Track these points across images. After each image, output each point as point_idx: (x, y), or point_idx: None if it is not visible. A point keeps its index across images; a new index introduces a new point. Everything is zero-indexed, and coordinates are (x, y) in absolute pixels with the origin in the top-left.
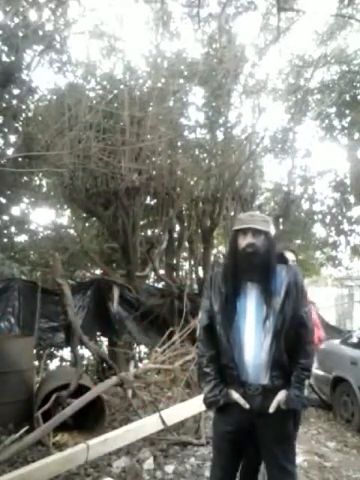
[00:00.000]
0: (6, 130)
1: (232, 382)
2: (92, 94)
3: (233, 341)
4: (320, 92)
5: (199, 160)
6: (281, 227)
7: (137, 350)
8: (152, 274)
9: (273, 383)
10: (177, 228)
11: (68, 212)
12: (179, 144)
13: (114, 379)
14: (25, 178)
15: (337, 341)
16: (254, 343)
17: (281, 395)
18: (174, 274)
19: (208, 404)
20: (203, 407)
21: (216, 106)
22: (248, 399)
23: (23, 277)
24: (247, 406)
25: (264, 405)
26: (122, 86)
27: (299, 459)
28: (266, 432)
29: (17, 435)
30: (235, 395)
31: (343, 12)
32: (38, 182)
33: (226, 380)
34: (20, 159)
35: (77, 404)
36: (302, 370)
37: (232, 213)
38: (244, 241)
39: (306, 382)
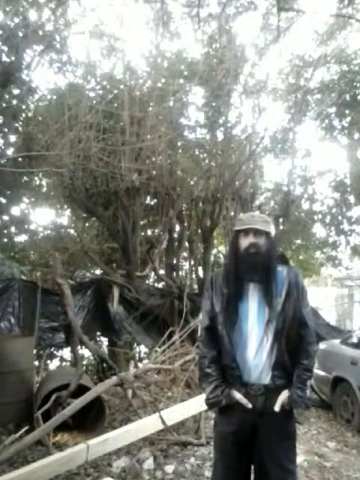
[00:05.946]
0: (6, 130)
1: (234, 382)
2: (92, 94)
3: (235, 342)
4: (320, 92)
5: (199, 160)
6: (281, 227)
7: (137, 350)
8: (152, 274)
9: (275, 383)
10: (177, 228)
11: (68, 212)
12: (179, 144)
13: (114, 379)
14: (25, 178)
15: (337, 341)
16: (256, 343)
17: (284, 395)
18: (174, 274)
19: (210, 405)
20: (203, 407)
21: (216, 106)
22: (250, 399)
23: (23, 277)
24: (250, 406)
25: (266, 405)
26: (122, 86)
27: (299, 459)
28: (268, 431)
29: (17, 435)
30: (237, 395)
31: (343, 12)
32: (38, 182)
33: (228, 380)
34: (20, 159)
35: (77, 404)
36: (304, 370)
37: (232, 213)
38: (245, 241)
39: (308, 382)
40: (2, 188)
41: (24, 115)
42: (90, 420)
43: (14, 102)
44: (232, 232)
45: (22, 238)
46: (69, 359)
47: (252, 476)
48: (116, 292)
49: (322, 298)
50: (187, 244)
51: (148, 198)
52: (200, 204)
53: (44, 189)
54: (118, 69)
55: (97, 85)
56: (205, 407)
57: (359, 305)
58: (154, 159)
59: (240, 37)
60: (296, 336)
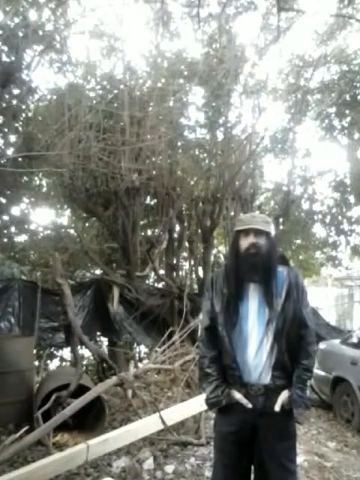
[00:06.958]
0: (6, 130)
1: (234, 383)
2: (92, 94)
3: (235, 342)
4: (320, 92)
5: (199, 160)
6: (281, 227)
7: (137, 350)
8: (152, 274)
9: (275, 383)
10: (177, 228)
11: (68, 212)
12: (179, 144)
13: (114, 379)
14: (25, 178)
15: (337, 341)
16: (256, 344)
17: (284, 395)
18: (174, 274)
19: (210, 405)
20: (203, 407)
21: (216, 106)
22: (250, 399)
23: (23, 277)
24: (250, 406)
25: (266, 405)
26: (122, 86)
27: (299, 459)
28: (268, 431)
29: (17, 435)
30: (237, 395)
31: (343, 12)
32: (38, 182)
33: (228, 381)
34: (20, 159)
35: (77, 404)
36: (304, 370)
37: (232, 213)
38: (246, 241)
39: (308, 383)
40: (2, 188)
41: (24, 115)
42: (90, 420)
43: (14, 102)
44: (232, 232)
45: (22, 238)
46: (69, 359)
47: (252, 476)
48: (116, 292)
49: (322, 298)
50: (187, 244)
51: (148, 198)
52: (200, 204)
53: (44, 189)
54: (118, 69)
55: (97, 85)
56: (205, 407)
57: (359, 305)
58: (154, 159)
59: (240, 37)
60: (296, 336)
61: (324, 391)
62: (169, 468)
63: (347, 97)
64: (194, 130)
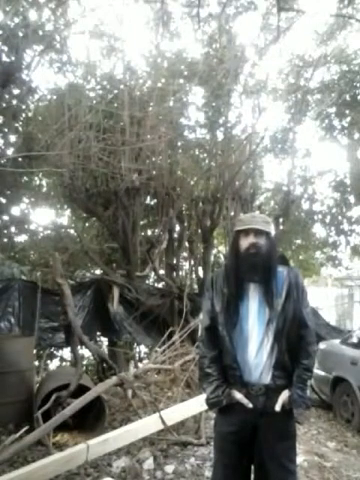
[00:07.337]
0: (6, 130)
1: (235, 382)
2: (92, 94)
3: (236, 342)
4: (320, 92)
5: (199, 160)
6: (281, 227)
7: (137, 350)
8: (152, 274)
9: (275, 383)
10: (177, 228)
11: (68, 212)
12: (179, 144)
13: (114, 379)
14: (25, 178)
15: (337, 341)
16: (256, 343)
17: (285, 395)
18: (174, 274)
19: (211, 405)
20: (203, 407)
21: (216, 106)
22: (251, 399)
23: (23, 277)
24: (250, 405)
25: (267, 405)
26: (122, 86)
27: (299, 459)
28: (269, 431)
29: (17, 435)
30: (238, 395)
31: (343, 12)
32: (38, 182)
33: (228, 380)
34: (20, 159)
35: (77, 404)
36: (304, 370)
37: (232, 213)
38: (246, 241)
39: (308, 382)
40: (2, 188)
41: (24, 115)
42: (90, 420)
43: (14, 102)
44: (232, 232)
45: (22, 238)
46: (69, 359)
47: (252, 476)
48: (116, 292)
49: (322, 298)
50: (187, 244)
51: (148, 198)
52: (200, 204)
53: (44, 189)
54: (118, 69)
55: (97, 85)
56: (205, 407)
57: (359, 305)
58: (154, 159)
59: (240, 37)
60: (296, 336)
61: (324, 391)
62: (169, 468)
63: (347, 97)
64: (194, 130)
